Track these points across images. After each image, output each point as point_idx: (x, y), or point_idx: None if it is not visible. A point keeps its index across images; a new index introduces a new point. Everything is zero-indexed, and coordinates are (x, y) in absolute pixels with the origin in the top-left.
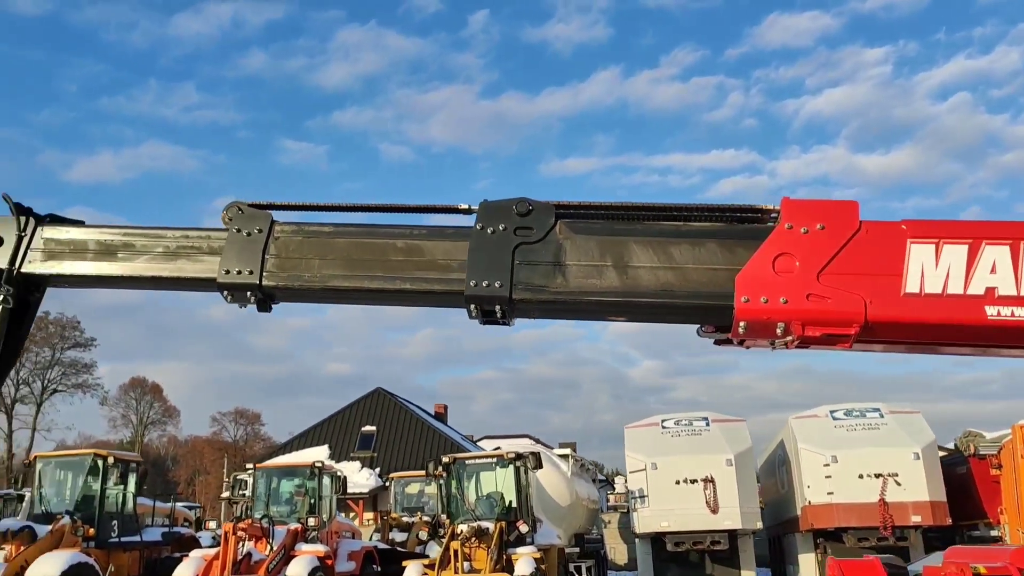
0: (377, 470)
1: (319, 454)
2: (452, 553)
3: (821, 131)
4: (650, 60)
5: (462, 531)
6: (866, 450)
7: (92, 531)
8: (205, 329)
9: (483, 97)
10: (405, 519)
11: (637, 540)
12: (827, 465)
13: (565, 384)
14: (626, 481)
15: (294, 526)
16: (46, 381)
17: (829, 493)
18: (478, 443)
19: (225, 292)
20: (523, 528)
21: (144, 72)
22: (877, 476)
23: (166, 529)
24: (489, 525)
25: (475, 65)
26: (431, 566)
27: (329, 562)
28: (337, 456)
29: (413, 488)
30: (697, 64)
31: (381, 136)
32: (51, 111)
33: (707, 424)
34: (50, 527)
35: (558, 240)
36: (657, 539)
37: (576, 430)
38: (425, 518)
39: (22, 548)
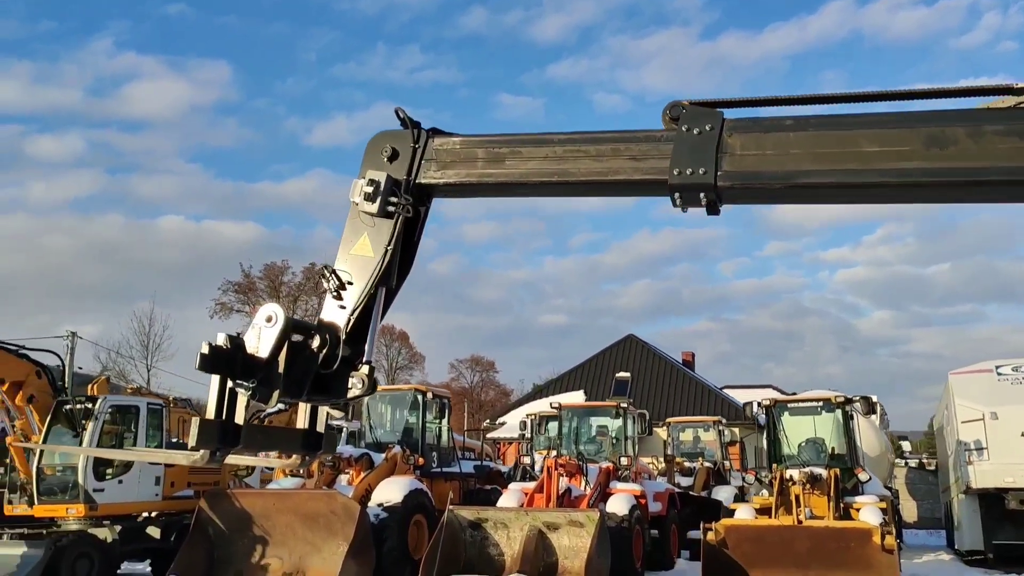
0: None
1: (575, 398)
2: (793, 499)
3: None
4: None
5: (791, 476)
6: None
7: (422, 460)
8: (431, 282)
9: (702, 39)
10: (687, 464)
11: (963, 496)
12: None
13: (786, 336)
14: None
15: (605, 464)
16: None
17: None
18: (721, 391)
19: (676, 194)
20: (863, 476)
21: (372, 38)
22: None
23: (477, 462)
24: (822, 472)
25: (693, 5)
26: (763, 510)
27: (643, 501)
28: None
29: (687, 435)
30: None
31: (596, 86)
32: (294, 80)
33: None
34: (384, 455)
35: None
36: (987, 496)
37: (800, 383)
38: (707, 464)
39: (362, 473)
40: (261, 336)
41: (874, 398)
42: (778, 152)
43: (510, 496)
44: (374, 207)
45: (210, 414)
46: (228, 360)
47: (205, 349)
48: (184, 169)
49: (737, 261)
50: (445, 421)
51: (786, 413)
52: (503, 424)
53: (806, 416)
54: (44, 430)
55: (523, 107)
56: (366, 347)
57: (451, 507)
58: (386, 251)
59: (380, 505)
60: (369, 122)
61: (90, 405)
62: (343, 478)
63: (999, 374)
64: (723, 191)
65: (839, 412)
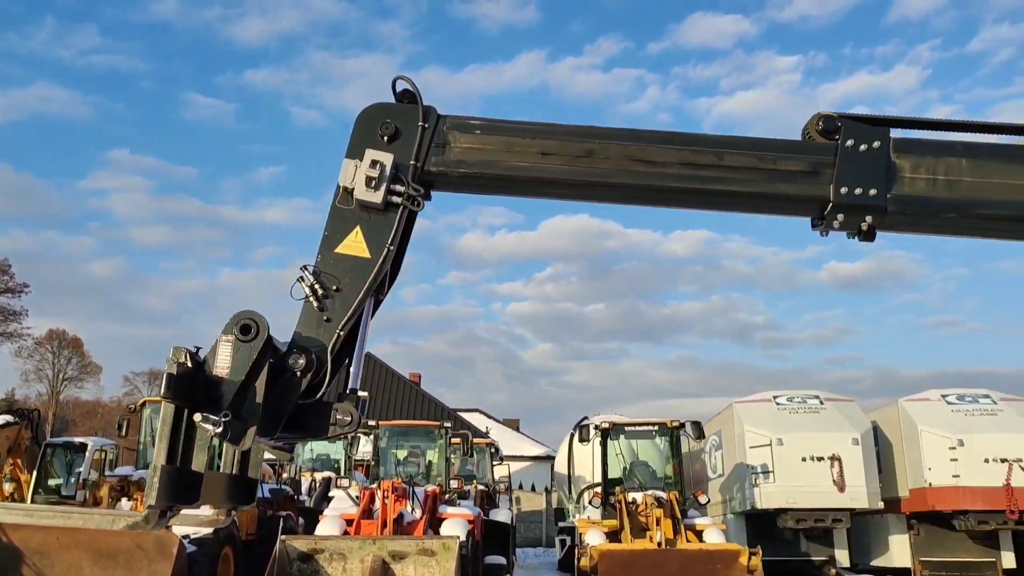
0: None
1: None
2: (653, 522)
3: (729, 131)
4: (575, 47)
5: (635, 499)
6: (991, 435)
7: None
8: (88, 284)
9: (404, 69)
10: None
11: (730, 516)
12: (953, 448)
13: (460, 362)
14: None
15: (431, 487)
16: None
17: (955, 476)
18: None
19: (838, 215)
20: (703, 499)
21: (41, 9)
22: (1003, 461)
23: (273, 485)
24: (662, 494)
25: (399, 36)
26: (611, 534)
27: (472, 526)
28: None
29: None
30: (620, 55)
31: (294, 99)
32: None
33: (821, 402)
34: None
35: None
36: (754, 516)
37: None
38: (480, 487)
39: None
40: (233, 354)
41: (703, 423)
42: (959, 176)
43: (330, 523)
44: (377, 196)
45: (160, 459)
46: (188, 385)
47: (173, 369)
48: None
49: (420, 287)
50: None
51: (621, 436)
52: None
53: (644, 440)
54: None
55: (213, 109)
56: (351, 371)
57: (283, 537)
58: (386, 251)
59: (187, 537)
60: (27, 101)
61: None
62: (125, 504)
63: (777, 403)
64: (890, 216)
65: (672, 436)
